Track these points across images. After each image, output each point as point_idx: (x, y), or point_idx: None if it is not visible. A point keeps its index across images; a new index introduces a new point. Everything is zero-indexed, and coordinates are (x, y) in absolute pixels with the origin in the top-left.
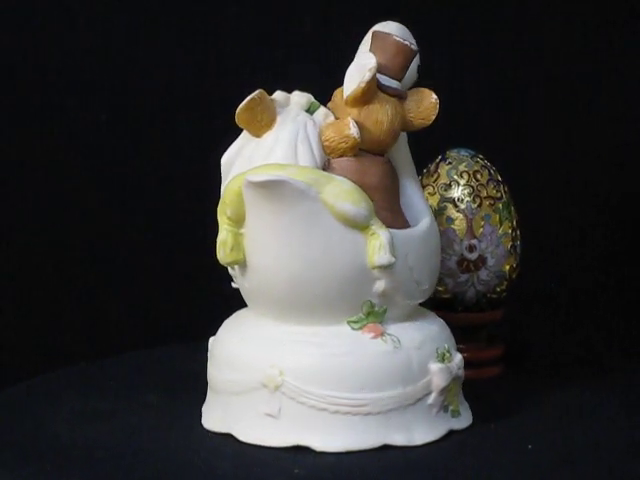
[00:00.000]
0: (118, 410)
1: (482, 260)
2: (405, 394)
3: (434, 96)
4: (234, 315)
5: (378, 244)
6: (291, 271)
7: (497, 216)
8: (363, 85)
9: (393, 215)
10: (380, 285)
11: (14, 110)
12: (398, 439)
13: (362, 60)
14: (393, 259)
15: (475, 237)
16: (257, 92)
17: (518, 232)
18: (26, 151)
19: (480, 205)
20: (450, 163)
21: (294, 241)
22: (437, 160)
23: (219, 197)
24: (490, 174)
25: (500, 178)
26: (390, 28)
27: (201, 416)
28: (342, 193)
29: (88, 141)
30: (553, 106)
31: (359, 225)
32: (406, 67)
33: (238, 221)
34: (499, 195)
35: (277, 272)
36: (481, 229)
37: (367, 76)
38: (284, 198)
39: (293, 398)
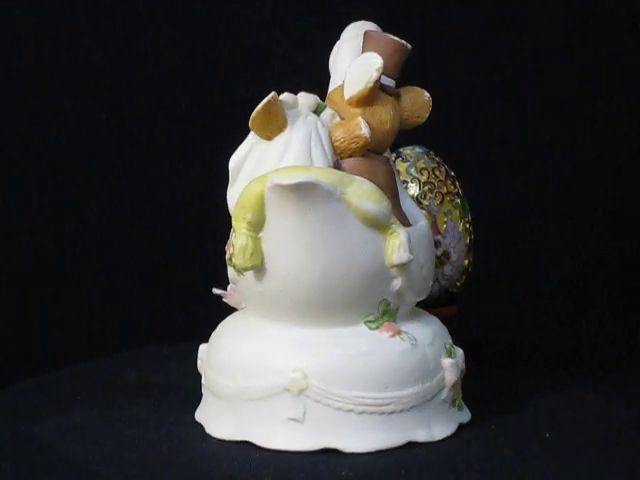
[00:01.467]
0: (106, 423)
1: (446, 255)
2: (424, 390)
3: (427, 94)
4: (230, 319)
5: (398, 242)
6: (314, 273)
7: (457, 211)
8: (371, 85)
9: (399, 214)
10: (397, 283)
11: (14, 110)
12: (420, 435)
13: (366, 59)
14: (412, 256)
15: (439, 233)
16: (271, 95)
17: (472, 226)
18: (26, 151)
19: (442, 201)
20: (407, 160)
21: (318, 243)
22: (392, 158)
23: (221, 199)
24: (446, 170)
25: (453, 174)
26: (368, 28)
27: (199, 424)
28: (364, 193)
29: (88, 141)
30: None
31: (380, 224)
32: (401, 65)
33: (257, 225)
34: (456, 191)
35: (300, 274)
36: (444, 225)
37: (375, 76)
38: (311, 200)
39: (318, 401)
